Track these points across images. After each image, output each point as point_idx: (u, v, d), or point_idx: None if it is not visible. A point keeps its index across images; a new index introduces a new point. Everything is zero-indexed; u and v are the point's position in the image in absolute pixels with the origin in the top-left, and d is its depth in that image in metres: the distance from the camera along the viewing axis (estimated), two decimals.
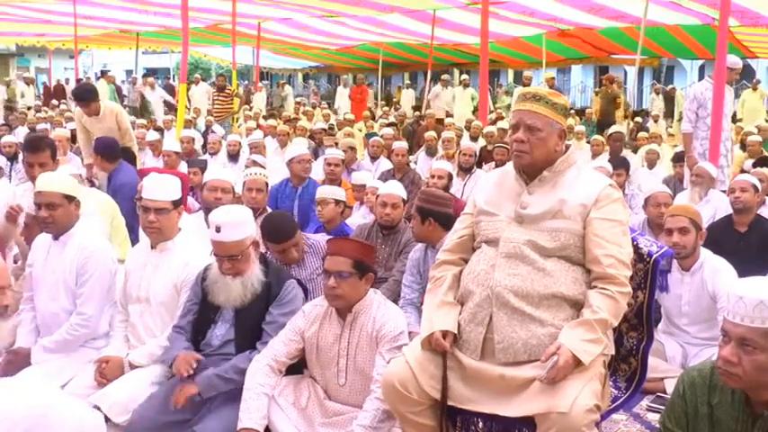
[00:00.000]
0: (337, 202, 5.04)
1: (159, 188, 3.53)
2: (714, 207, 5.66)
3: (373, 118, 15.26)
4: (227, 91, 13.09)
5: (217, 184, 4.47)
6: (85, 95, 7.16)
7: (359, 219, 5.82)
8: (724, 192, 6.23)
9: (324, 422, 3.07)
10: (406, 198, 4.84)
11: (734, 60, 6.97)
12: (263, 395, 3.04)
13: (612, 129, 9.26)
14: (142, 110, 16.54)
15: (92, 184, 6.19)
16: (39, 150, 4.38)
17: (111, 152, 5.93)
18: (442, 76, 16.92)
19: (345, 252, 3.07)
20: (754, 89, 15.56)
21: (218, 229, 3.15)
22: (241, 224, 3.21)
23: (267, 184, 5.01)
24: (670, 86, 19.39)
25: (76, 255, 3.55)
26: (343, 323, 3.12)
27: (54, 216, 3.52)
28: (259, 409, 3.00)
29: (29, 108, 15.91)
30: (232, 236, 3.16)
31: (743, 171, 7.07)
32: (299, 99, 21.03)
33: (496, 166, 7.69)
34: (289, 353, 3.16)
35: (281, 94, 20.77)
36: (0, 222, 4.36)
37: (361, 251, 3.12)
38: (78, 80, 16.51)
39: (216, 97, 13.29)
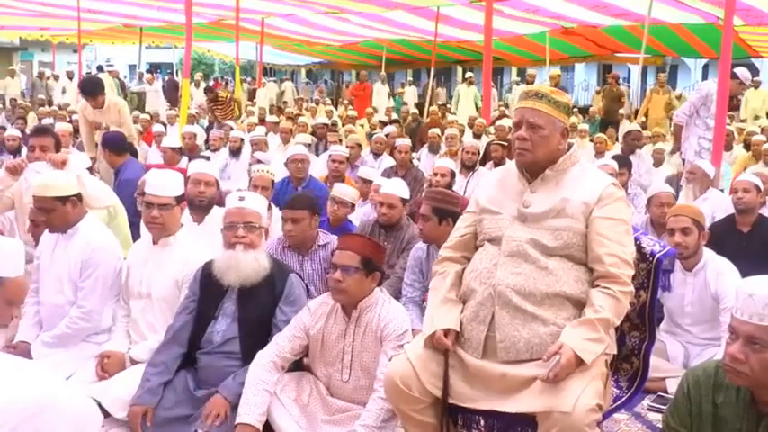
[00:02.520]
0: (351, 205, 5.07)
1: (162, 184, 3.55)
2: (712, 206, 5.63)
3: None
4: (220, 99, 12.56)
5: (200, 177, 4.47)
6: (93, 88, 7.24)
7: (362, 215, 5.79)
8: (721, 190, 6.23)
9: (327, 419, 3.06)
10: (407, 197, 4.81)
11: (746, 76, 6.93)
12: (264, 391, 3.04)
13: (630, 127, 9.18)
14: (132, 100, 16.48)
15: None
16: (42, 134, 4.55)
17: (118, 146, 5.94)
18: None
19: (355, 248, 3.08)
20: (756, 88, 15.51)
21: (241, 198, 3.27)
22: (261, 202, 3.36)
23: (273, 182, 5.02)
24: (675, 92, 19.34)
25: (82, 249, 3.57)
26: (348, 320, 3.12)
27: (49, 218, 3.56)
28: (258, 404, 3.00)
29: (67, 105, 15.68)
30: (254, 205, 3.27)
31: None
32: (301, 96, 21.02)
33: (494, 164, 7.68)
34: (293, 349, 3.16)
35: (281, 89, 20.74)
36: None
37: (371, 249, 3.13)
38: (88, 74, 16.51)
39: (212, 107, 12.84)
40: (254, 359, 3.11)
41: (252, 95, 18.03)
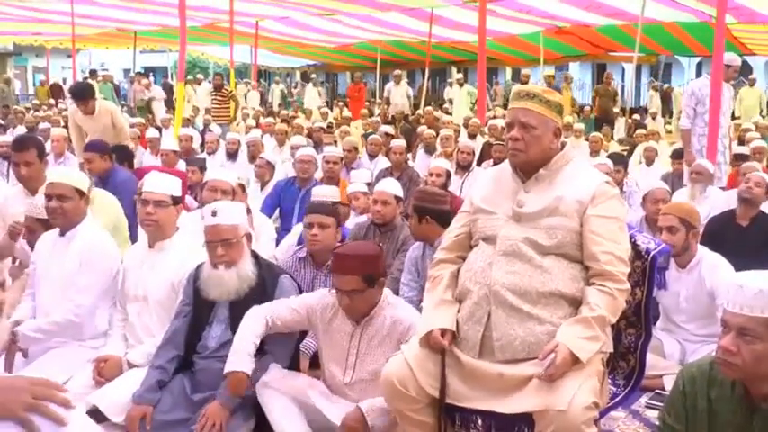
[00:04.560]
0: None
1: (159, 183, 3.57)
2: (710, 204, 5.66)
3: (371, 116, 15.26)
4: (224, 90, 13.06)
5: (217, 185, 4.49)
6: (83, 93, 7.17)
7: (353, 222, 5.77)
8: (722, 188, 6.26)
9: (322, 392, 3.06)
10: (401, 196, 4.80)
11: (731, 57, 6.96)
12: (252, 343, 3.02)
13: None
14: (141, 109, 16.48)
15: None
16: (23, 149, 4.37)
17: (103, 152, 5.88)
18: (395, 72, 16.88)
19: (353, 270, 2.95)
20: (751, 86, 15.58)
21: (213, 213, 3.19)
22: (236, 211, 3.27)
23: (243, 186, 5.08)
24: (667, 86, 19.40)
25: (81, 251, 3.55)
26: (357, 324, 3.09)
27: (63, 208, 3.54)
28: (249, 352, 2.99)
29: (62, 110, 15.62)
30: (227, 219, 3.19)
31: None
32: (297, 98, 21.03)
33: (495, 163, 7.69)
34: (286, 319, 3.12)
35: (273, 90, 20.74)
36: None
37: (369, 263, 2.99)
38: (84, 78, 16.48)
39: (213, 96, 13.28)
40: (250, 311, 3.10)
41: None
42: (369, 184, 6.10)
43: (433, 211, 3.98)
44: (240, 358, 2.97)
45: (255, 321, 3.07)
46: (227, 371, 2.96)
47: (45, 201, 3.62)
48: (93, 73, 19.89)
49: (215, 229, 3.18)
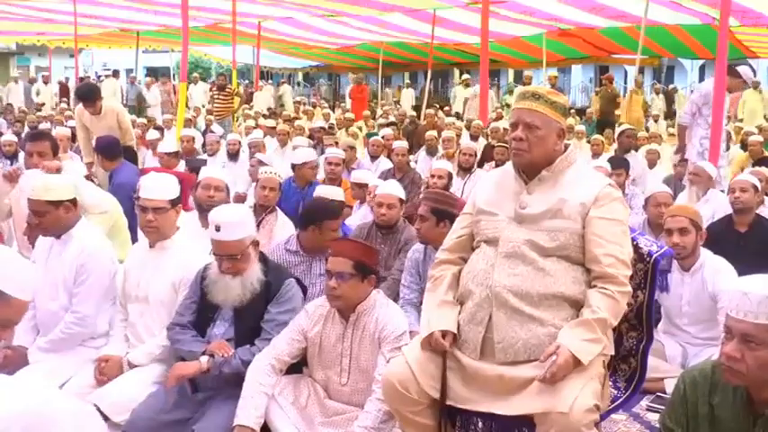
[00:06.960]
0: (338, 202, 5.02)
1: (157, 187, 3.53)
2: (713, 207, 5.64)
3: (374, 117, 15.27)
4: (227, 90, 13.09)
5: (210, 182, 4.48)
6: (90, 94, 7.18)
7: (359, 218, 5.80)
8: (722, 191, 6.23)
9: (323, 421, 3.06)
10: (404, 198, 4.82)
11: (749, 75, 6.96)
12: (262, 394, 3.04)
13: (624, 126, 9.24)
14: (140, 109, 16.52)
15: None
16: (39, 139, 4.41)
17: (111, 151, 5.93)
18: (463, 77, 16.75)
19: (347, 253, 3.06)
20: (755, 89, 15.55)
21: (217, 228, 3.16)
22: (241, 223, 3.22)
23: (280, 184, 5.03)
24: (671, 86, 19.38)
25: (76, 254, 3.54)
26: (346, 323, 3.12)
27: (42, 222, 3.53)
28: (257, 407, 3.00)
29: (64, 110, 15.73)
30: (232, 235, 3.16)
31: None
32: (298, 98, 21.02)
33: (496, 165, 7.68)
34: (291, 352, 3.16)
35: (278, 93, 20.71)
36: None
37: (364, 253, 3.12)
38: (81, 79, 16.49)
39: (216, 96, 13.30)
40: (253, 362, 3.11)
41: (249, 99, 18.06)
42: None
43: (452, 215, 3.95)
44: (248, 414, 2.98)
45: (261, 372, 3.08)
46: (236, 424, 2.97)
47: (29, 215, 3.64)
48: (115, 73, 20.09)
49: (219, 245, 3.18)
